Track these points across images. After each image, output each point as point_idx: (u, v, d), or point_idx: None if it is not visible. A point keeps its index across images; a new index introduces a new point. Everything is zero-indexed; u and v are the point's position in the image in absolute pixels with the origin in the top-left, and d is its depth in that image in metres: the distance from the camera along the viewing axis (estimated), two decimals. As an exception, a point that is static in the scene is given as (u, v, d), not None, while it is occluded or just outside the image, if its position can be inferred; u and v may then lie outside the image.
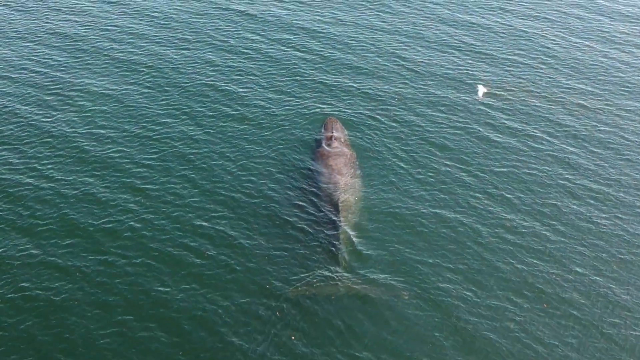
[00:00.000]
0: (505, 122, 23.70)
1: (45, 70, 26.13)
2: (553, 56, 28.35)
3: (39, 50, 27.72)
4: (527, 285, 17.37)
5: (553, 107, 24.76)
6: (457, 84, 26.06)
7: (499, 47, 29.01)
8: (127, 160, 21.21)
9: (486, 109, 24.44)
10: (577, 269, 17.88)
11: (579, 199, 20.23)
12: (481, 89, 24.42)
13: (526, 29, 30.49)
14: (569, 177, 21.09)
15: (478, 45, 29.02)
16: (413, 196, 19.99)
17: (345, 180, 19.43)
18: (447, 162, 21.55)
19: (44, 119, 23.16)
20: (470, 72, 26.93)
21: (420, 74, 26.71)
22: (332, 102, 24.63)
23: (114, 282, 16.88)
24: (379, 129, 23.05)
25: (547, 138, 22.93)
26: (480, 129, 23.24)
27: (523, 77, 26.70)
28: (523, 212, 19.63)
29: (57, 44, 28.18)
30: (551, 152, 22.29)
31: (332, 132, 21.34)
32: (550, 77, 26.68)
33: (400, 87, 25.68)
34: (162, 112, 23.71)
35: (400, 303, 16.57)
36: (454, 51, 28.50)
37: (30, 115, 23.36)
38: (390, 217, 19.22)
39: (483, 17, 31.59)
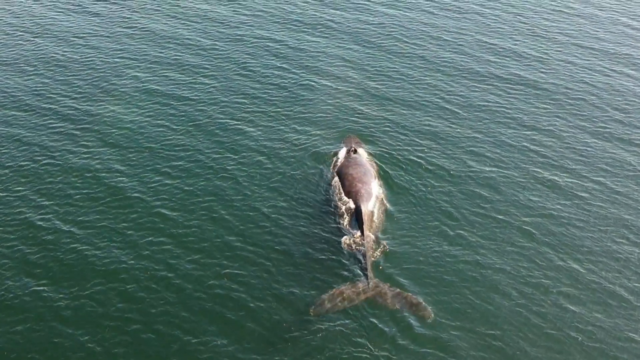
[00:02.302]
0: (561, 162, 21.56)
1: (68, 100, 24.56)
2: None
3: (60, 78, 26.08)
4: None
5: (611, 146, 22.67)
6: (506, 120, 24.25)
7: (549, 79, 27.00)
8: (148, 179, 20.28)
9: (537, 148, 22.47)
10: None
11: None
12: None
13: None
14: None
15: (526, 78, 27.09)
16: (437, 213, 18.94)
17: (367, 188, 19.19)
18: (496, 208, 19.67)
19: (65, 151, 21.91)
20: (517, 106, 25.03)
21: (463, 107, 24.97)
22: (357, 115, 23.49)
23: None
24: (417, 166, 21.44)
25: (608, 181, 20.73)
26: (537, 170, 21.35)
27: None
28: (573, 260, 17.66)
29: (78, 71, 26.62)
30: (614, 196, 20.10)
31: (352, 145, 21.35)
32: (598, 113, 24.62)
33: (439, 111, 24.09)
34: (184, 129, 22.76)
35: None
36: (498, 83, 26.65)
37: (50, 145, 21.92)
38: (412, 230, 18.43)
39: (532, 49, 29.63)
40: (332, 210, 19.06)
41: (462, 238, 18.18)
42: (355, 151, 20.89)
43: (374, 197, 19.06)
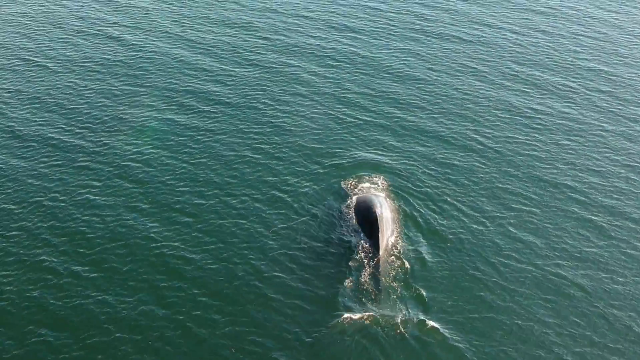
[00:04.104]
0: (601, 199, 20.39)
1: (80, 132, 23.63)
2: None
3: (91, 81, 26.23)
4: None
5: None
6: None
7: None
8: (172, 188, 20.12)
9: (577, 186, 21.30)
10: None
11: None
12: None
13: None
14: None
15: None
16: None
17: (381, 200, 19.05)
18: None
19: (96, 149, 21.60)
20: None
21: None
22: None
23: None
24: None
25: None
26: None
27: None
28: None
29: (114, 75, 26.76)
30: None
31: (368, 181, 21.08)
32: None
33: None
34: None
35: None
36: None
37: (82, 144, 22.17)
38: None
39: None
40: (349, 231, 18.67)
41: (499, 285, 17.09)
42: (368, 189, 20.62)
43: (389, 211, 18.94)
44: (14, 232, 18.66)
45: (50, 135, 23.01)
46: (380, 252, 17.41)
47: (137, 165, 21.39)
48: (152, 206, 19.62)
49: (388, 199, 19.81)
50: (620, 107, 25.09)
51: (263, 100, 25.09)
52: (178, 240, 18.31)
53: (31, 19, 31.68)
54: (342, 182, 20.76)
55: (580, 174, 21.37)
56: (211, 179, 20.82)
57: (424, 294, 16.55)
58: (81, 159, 21.72)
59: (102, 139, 22.78)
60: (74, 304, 16.35)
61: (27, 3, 33.22)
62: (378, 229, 17.78)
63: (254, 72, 27.16)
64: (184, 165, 21.44)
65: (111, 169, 21.22)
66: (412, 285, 16.76)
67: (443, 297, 16.62)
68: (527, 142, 22.97)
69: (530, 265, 17.74)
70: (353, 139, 22.98)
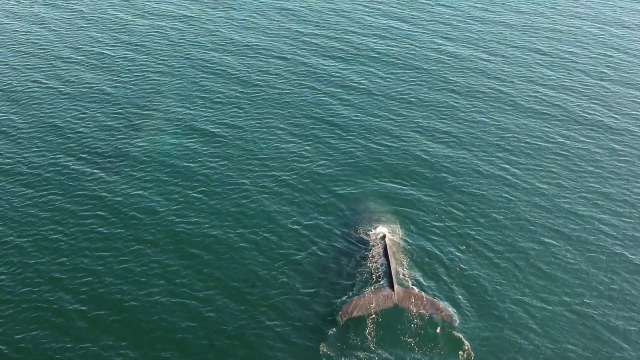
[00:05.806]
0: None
1: (98, 134, 23.52)
2: None
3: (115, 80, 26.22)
4: None
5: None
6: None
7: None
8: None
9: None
10: None
11: None
12: None
13: None
14: None
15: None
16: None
17: (396, 236, 18.92)
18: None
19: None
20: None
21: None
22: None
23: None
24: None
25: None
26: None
27: None
28: None
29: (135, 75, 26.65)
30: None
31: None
32: None
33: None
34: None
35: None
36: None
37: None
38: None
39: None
40: (363, 266, 17.91)
41: (529, 328, 16.11)
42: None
43: (404, 247, 18.59)
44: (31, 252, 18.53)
45: (57, 161, 22.34)
46: (394, 289, 16.56)
47: (146, 193, 20.60)
48: (162, 237, 18.87)
49: (406, 234, 18.94)
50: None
51: (279, 126, 24.19)
52: (186, 276, 17.59)
53: (42, 39, 31.23)
54: (359, 215, 19.79)
55: (611, 207, 20.25)
56: (224, 208, 19.98)
57: (449, 335, 15.63)
58: (85, 189, 20.98)
59: (117, 143, 22.67)
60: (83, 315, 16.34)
61: (38, 22, 32.81)
62: (390, 267, 17.11)
63: (269, 95, 26.30)
64: (196, 194, 20.59)
65: (120, 198, 20.48)
66: (436, 327, 15.84)
67: (470, 338, 15.62)
68: (557, 173, 21.82)
69: (561, 305, 16.67)
70: (376, 168, 21.95)
